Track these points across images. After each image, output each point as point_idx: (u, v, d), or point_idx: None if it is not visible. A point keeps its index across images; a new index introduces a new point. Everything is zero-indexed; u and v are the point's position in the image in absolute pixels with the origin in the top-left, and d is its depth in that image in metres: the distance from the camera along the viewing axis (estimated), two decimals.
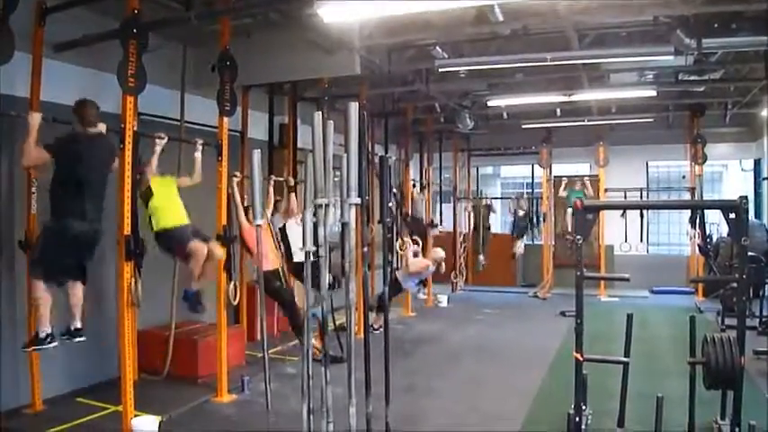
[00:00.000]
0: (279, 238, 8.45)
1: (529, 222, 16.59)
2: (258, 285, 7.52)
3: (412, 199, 13.63)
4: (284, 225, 8.72)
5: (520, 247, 16.52)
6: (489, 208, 17.08)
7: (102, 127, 5.55)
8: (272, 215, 8.35)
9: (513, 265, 16.85)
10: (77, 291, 5.60)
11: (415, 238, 11.32)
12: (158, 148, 6.28)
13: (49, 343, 5.44)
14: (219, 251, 6.70)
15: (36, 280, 5.36)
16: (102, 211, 5.51)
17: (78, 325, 5.63)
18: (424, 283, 13.13)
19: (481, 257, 16.55)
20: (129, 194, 5.83)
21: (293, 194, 8.92)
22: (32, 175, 6.09)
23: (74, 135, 5.43)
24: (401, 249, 10.64)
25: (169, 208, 6.51)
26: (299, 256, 8.27)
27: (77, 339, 5.66)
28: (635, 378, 5.85)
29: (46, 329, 5.40)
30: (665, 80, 11.33)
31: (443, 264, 10.83)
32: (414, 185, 14.22)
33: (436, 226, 15.11)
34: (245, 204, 7.85)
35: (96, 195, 5.44)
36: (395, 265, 11.19)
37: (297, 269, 8.34)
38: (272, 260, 7.82)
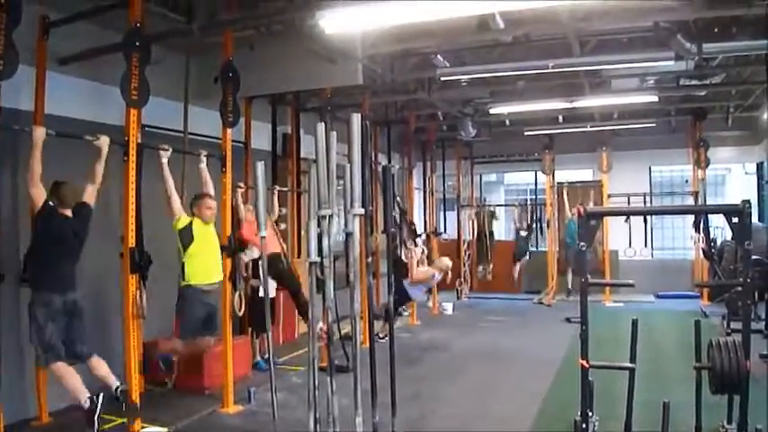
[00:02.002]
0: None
1: (528, 244, 16.45)
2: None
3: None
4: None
5: (516, 269, 16.38)
6: (492, 215, 16.94)
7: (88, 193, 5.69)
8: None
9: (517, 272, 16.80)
10: (96, 363, 5.70)
11: (422, 246, 11.31)
12: (164, 160, 6.30)
13: (97, 405, 5.38)
14: (211, 344, 6.89)
15: (51, 365, 5.44)
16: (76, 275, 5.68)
17: (118, 384, 5.66)
18: (430, 290, 13.13)
19: (480, 268, 16.47)
20: (133, 207, 5.84)
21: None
22: None
23: (56, 212, 5.51)
24: (406, 258, 10.54)
25: (206, 259, 6.55)
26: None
27: (121, 393, 5.65)
28: (641, 383, 5.83)
29: (85, 396, 5.38)
30: (666, 85, 11.35)
31: (450, 273, 10.71)
32: None
33: (440, 234, 15.16)
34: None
35: (72, 263, 5.63)
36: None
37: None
38: (274, 244, 7.85)
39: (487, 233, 16.49)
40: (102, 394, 5.40)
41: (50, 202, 5.38)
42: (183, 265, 6.46)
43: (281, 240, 8.58)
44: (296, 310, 8.90)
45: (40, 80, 6.16)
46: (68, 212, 5.56)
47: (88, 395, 5.37)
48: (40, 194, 5.31)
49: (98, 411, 5.34)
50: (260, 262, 5.80)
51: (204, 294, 6.54)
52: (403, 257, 10.63)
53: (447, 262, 10.40)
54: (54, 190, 5.53)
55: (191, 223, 6.41)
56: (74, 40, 6.61)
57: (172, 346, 6.75)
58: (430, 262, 11.20)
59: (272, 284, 8.51)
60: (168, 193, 6.32)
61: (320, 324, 8.09)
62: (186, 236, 6.38)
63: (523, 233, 16.18)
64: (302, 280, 8.41)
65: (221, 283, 6.81)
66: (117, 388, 5.60)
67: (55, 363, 5.39)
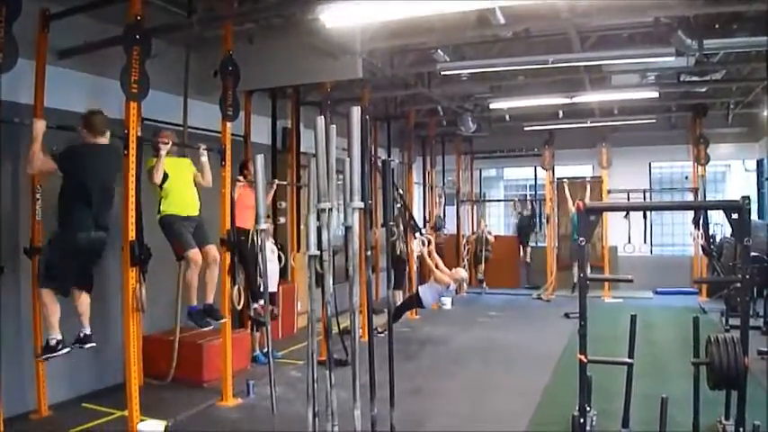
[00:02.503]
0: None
1: (533, 223, 16.50)
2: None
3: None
4: None
5: (527, 253, 16.37)
6: (487, 242, 16.63)
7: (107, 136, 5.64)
8: None
9: (517, 267, 16.80)
10: (84, 299, 5.67)
11: (425, 237, 11.22)
12: (163, 153, 6.30)
13: (61, 350, 5.53)
14: (216, 254, 6.71)
15: (44, 289, 5.46)
16: (110, 217, 5.61)
17: (87, 331, 5.72)
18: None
19: (484, 285, 16.48)
20: (133, 200, 5.84)
21: None
22: (36, 182, 6.11)
23: (79, 145, 5.49)
24: (424, 245, 10.37)
25: (182, 194, 6.51)
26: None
27: (88, 345, 5.74)
28: (639, 379, 5.84)
29: (56, 336, 5.49)
30: (666, 81, 11.34)
31: (464, 285, 10.62)
32: None
33: (440, 229, 15.16)
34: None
35: (103, 203, 5.51)
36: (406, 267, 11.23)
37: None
38: (248, 219, 7.79)
39: (483, 258, 16.40)
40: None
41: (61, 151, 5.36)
42: (159, 201, 6.45)
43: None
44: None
45: (39, 73, 6.13)
46: (101, 140, 5.52)
47: (59, 337, 5.51)
48: (47, 161, 5.27)
49: (54, 355, 5.53)
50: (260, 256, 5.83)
51: (183, 218, 6.49)
52: (414, 248, 10.49)
53: (463, 273, 10.16)
54: (84, 118, 5.54)
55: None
56: (74, 33, 6.60)
57: (189, 280, 6.53)
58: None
59: (274, 278, 8.56)
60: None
61: (260, 302, 8.05)
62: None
63: (527, 212, 16.29)
64: (301, 274, 8.42)
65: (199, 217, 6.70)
66: (86, 335, 5.71)
67: (48, 291, 5.44)
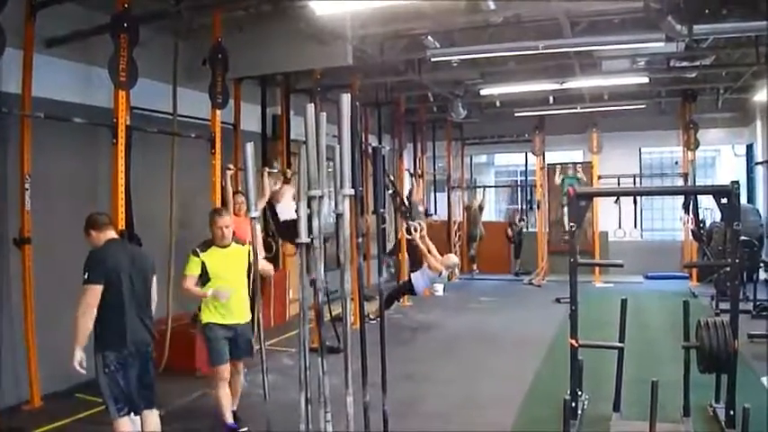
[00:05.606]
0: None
1: (520, 240, 16.52)
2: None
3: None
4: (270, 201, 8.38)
5: (518, 264, 16.49)
6: (481, 209, 16.76)
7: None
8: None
9: (507, 252, 16.85)
10: (152, 419, 4.83)
11: (416, 223, 11.19)
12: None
13: None
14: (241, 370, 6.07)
15: (120, 419, 4.62)
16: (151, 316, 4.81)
17: None
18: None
19: (475, 267, 16.57)
20: (122, 190, 5.82)
21: (287, 185, 8.84)
22: (26, 171, 6.07)
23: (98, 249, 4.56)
24: (415, 231, 10.05)
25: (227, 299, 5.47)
26: (285, 216, 8.10)
27: None
28: (630, 363, 5.89)
29: None
30: (656, 66, 11.33)
31: (456, 270, 10.45)
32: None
33: (430, 215, 15.20)
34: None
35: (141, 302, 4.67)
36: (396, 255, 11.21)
37: (283, 228, 8.42)
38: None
39: (478, 234, 16.47)
40: None
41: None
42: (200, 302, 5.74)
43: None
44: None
45: (27, 63, 6.09)
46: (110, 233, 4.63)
47: None
48: None
49: None
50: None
51: (226, 328, 5.60)
52: (416, 239, 10.20)
53: (455, 260, 9.95)
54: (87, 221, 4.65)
55: (203, 263, 5.43)
56: (61, 21, 6.55)
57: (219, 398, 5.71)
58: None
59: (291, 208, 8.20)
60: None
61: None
62: (203, 277, 5.49)
63: (517, 227, 16.39)
64: (293, 261, 8.41)
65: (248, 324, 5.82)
66: None
67: (124, 418, 4.65)
